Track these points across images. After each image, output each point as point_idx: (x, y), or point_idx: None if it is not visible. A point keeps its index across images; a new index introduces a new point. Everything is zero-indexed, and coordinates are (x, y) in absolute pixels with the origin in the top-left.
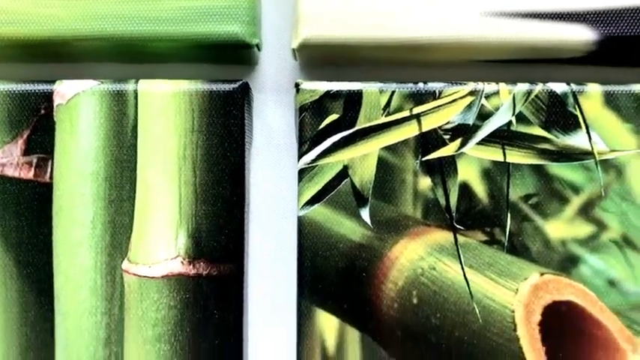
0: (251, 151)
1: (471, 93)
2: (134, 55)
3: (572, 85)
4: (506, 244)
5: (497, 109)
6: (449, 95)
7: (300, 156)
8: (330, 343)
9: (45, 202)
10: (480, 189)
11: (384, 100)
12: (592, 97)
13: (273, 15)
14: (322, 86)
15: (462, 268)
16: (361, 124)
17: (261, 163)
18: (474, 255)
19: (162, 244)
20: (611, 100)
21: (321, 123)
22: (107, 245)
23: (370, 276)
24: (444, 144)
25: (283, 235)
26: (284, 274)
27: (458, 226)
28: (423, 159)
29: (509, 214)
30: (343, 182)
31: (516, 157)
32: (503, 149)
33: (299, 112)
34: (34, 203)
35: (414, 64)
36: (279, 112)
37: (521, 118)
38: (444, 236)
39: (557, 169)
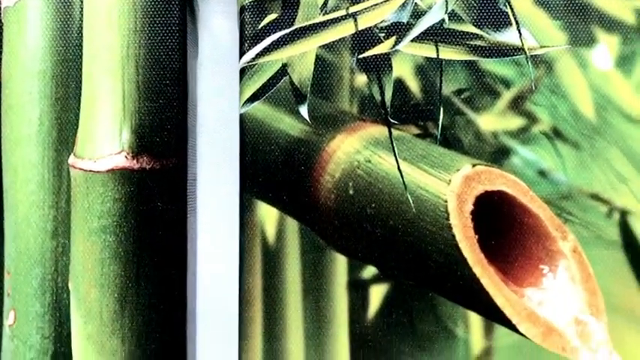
0: (198, 57)
1: None
2: None
3: None
4: (439, 137)
5: (430, 7)
6: None
7: (240, 55)
8: (271, 233)
9: None
10: (413, 85)
11: (321, 0)
12: None
13: None
14: None
15: (397, 161)
16: (299, 23)
17: (208, 64)
18: (407, 148)
19: (106, 140)
20: None
21: (261, 22)
22: (54, 141)
23: (309, 169)
24: (379, 42)
25: (228, 133)
26: (228, 170)
27: (392, 120)
28: (359, 56)
29: (441, 109)
30: (282, 80)
31: (449, 53)
32: (436, 46)
33: (240, 13)
34: None
35: None
36: (226, 24)
37: (453, 15)
38: (379, 130)
39: (489, 64)
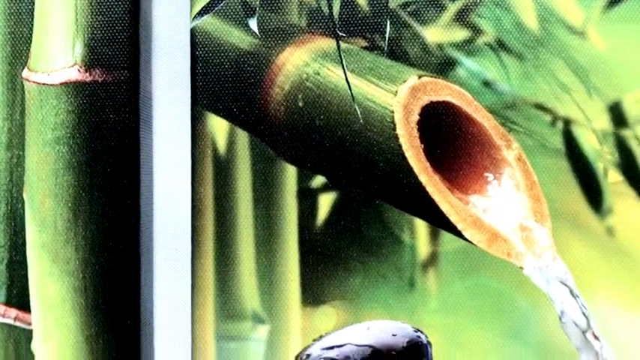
0: None
1: None
2: None
3: None
4: (385, 49)
5: None
6: None
7: None
8: (221, 144)
9: None
10: None
11: None
12: None
13: None
14: None
15: (345, 73)
16: None
17: None
18: (355, 60)
19: (60, 53)
20: None
21: None
22: (8, 55)
23: (258, 82)
24: None
25: (179, 47)
26: (180, 83)
27: (340, 33)
28: None
29: (388, 22)
30: None
31: None
32: None
33: None
34: None
35: None
36: None
37: None
38: (328, 43)
39: None
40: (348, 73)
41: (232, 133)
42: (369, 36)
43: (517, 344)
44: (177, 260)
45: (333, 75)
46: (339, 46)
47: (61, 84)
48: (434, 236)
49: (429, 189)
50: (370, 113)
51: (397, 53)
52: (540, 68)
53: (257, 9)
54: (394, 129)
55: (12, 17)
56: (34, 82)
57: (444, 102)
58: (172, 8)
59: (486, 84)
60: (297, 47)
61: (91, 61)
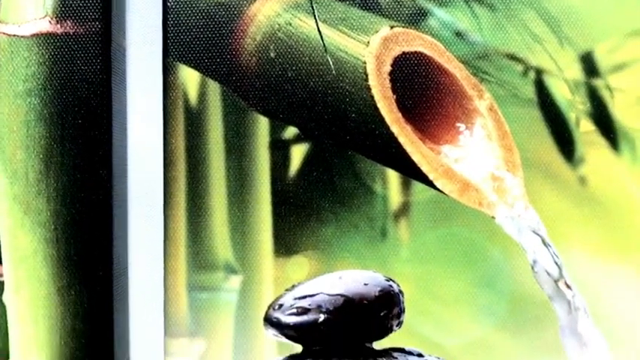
0: None
1: None
2: None
3: None
4: None
5: None
6: None
7: None
8: (193, 95)
9: None
10: None
11: None
12: None
13: None
14: None
15: (317, 23)
16: None
17: None
18: (327, 10)
19: (30, 5)
20: None
21: None
22: None
23: (230, 33)
24: None
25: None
26: (152, 35)
27: None
28: None
29: None
30: None
31: None
32: None
33: None
34: None
35: None
36: None
37: None
38: None
39: None
40: (320, 23)
41: (204, 84)
42: None
43: (489, 293)
44: (149, 212)
45: (305, 26)
46: None
47: (32, 35)
48: (406, 186)
49: (401, 139)
50: (342, 64)
51: (369, 4)
52: (512, 18)
53: None
54: (366, 80)
55: None
56: (4, 33)
57: (416, 52)
58: None
59: (458, 34)
60: None
61: (62, 13)
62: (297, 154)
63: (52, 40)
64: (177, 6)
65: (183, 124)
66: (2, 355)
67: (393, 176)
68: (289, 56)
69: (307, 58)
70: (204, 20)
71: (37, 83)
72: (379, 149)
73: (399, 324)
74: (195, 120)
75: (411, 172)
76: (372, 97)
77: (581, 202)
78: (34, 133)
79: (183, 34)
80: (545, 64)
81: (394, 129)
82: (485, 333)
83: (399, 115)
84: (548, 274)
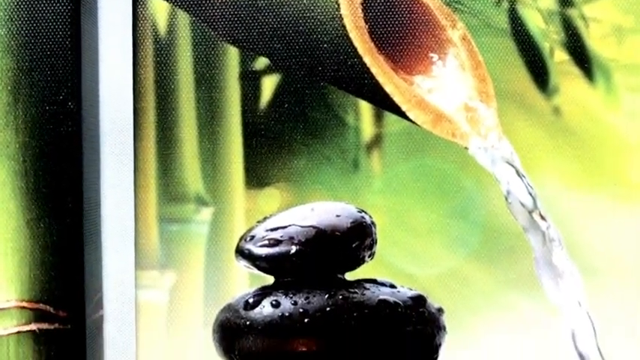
0: None
1: None
2: None
3: None
4: None
5: None
6: None
7: None
8: (162, 26)
9: None
10: None
11: None
12: None
13: None
14: None
15: None
16: None
17: None
18: None
19: None
20: None
21: None
22: None
23: None
24: None
25: None
26: None
27: None
28: None
29: None
30: None
31: None
32: None
33: None
34: None
35: None
36: None
37: None
38: None
39: None
40: None
41: (173, 15)
42: None
43: (462, 224)
44: (120, 144)
45: None
46: None
47: None
48: (378, 118)
49: (373, 70)
50: None
51: None
52: None
53: None
54: (338, 9)
55: None
56: None
57: None
58: None
59: None
60: None
61: None
62: (268, 85)
63: None
64: None
65: (153, 56)
66: None
67: (365, 107)
68: None
69: None
70: None
71: (3, 14)
72: (351, 80)
73: (371, 255)
74: (164, 51)
75: (383, 103)
76: (344, 26)
77: (555, 133)
78: (2, 65)
79: None
80: None
81: (366, 59)
82: (458, 264)
83: (372, 45)
84: (522, 205)
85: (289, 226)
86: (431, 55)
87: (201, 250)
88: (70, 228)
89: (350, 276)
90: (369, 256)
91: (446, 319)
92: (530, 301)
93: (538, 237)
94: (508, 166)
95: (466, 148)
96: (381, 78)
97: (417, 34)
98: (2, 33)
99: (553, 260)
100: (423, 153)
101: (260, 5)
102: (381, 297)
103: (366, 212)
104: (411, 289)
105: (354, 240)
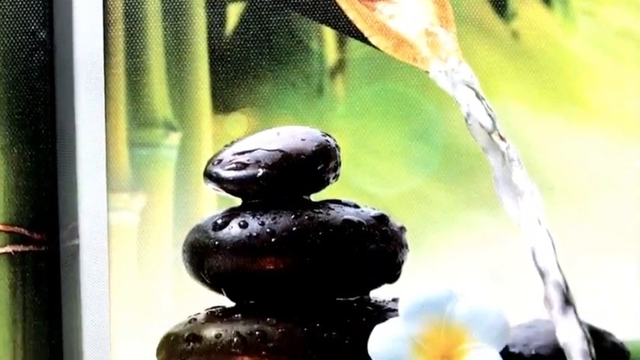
0: None
1: None
2: None
3: None
4: None
5: None
6: None
7: None
8: None
9: None
10: None
11: None
12: None
13: None
14: None
15: None
16: None
17: None
18: None
19: None
20: None
21: None
22: None
23: None
24: None
25: None
26: None
27: None
28: None
29: None
30: None
31: None
32: None
33: None
34: None
35: None
36: None
37: None
38: None
39: None
40: None
41: None
42: None
43: (423, 145)
44: (91, 72)
45: None
46: None
47: None
48: (341, 43)
49: None
50: None
51: None
52: None
53: None
54: None
55: None
56: None
57: None
58: None
59: None
60: None
61: None
62: (234, 12)
63: None
64: None
65: None
66: None
67: (329, 34)
68: None
69: None
70: None
71: None
72: (315, 7)
73: (336, 177)
74: None
75: (346, 29)
76: None
77: (513, 56)
78: None
79: None
80: None
81: None
82: (419, 184)
83: None
84: (481, 126)
85: (256, 149)
86: None
87: (171, 173)
88: (44, 153)
89: (315, 197)
90: (333, 178)
91: (408, 237)
92: (491, 219)
93: (497, 157)
94: (468, 89)
95: (427, 72)
96: (343, 4)
97: None
98: None
99: (513, 179)
100: (385, 77)
101: None
102: (346, 217)
103: (330, 136)
104: (374, 209)
105: (319, 162)
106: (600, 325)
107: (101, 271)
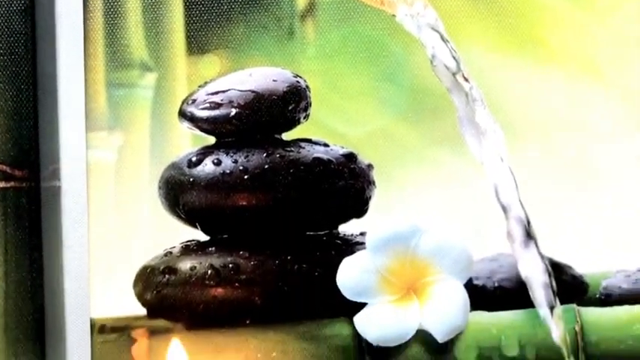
0: None
1: None
2: None
3: None
4: None
5: None
6: None
7: None
8: None
9: None
10: None
11: None
12: None
13: None
14: None
15: None
16: None
17: None
18: None
19: None
20: None
21: None
22: None
23: None
24: None
25: None
26: None
27: None
28: None
29: None
30: None
31: None
32: None
33: None
34: None
35: None
36: None
37: None
38: None
39: None
40: None
41: None
42: None
43: (390, 86)
44: (70, 15)
45: None
46: None
47: None
48: None
49: None
50: None
51: None
52: None
53: None
54: None
55: None
56: None
57: None
58: None
59: None
60: None
61: None
62: None
63: None
64: None
65: None
66: None
67: None
68: None
69: None
70: None
71: None
72: None
73: (306, 117)
74: None
75: None
76: None
77: (477, 0)
78: None
79: None
80: None
81: None
82: (386, 124)
83: None
84: (446, 67)
85: (229, 90)
86: None
87: (147, 112)
88: (25, 93)
89: (286, 136)
90: (304, 118)
91: (375, 175)
92: (455, 157)
93: (461, 97)
94: (433, 31)
95: (394, 15)
96: None
97: None
98: None
99: (476, 119)
100: (354, 20)
101: None
102: (315, 155)
103: (300, 77)
104: (342, 148)
105: (290, 102)
106: (561, 258)
107: (82, 213)
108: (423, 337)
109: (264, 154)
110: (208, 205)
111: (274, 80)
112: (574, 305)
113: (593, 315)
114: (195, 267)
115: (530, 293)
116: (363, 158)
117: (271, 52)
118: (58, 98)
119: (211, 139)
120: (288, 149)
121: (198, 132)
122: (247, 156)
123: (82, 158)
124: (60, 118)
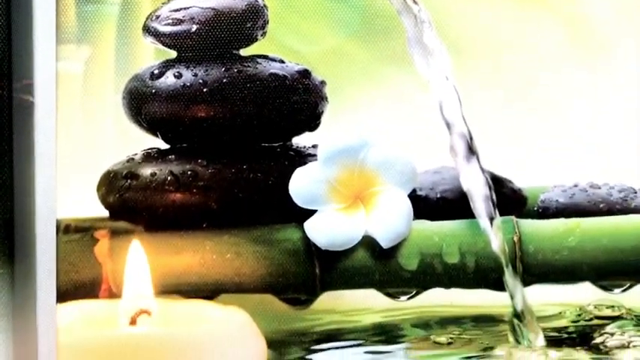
0: None
1: None
2: None
3: None
4: None
5: None
6: None
7: None
8: None
9: None
10: None
11: None
12: None
13: None
14: None
15: None
16: None
17: None
18: None
19: None
20: None
21: None
22: None
23: None
24: None
25: None
26: None
27: None
28: None
29: None
30: None
31: None
32: None
33: None
34: None
35: None
36: None
37: None
38: None
39: None
40: None
41: None
42: None
43: (344, 6)
44: None
45: None
46: None
47: None
48: None
49: None
50: None
51: None
52: None
53: None
54: None
55: None
56: None
57: None
58: None
59: None
60: None
61: None
62: None
63: None
64: None
65: None
66: None
67: None
68: None
69: None
70: None
71: None
72: None
73: (263, 34)
74: None
75: None
76: None
77: None
78: None
79: None
80: None
81: None
82: (340, 42)
83: None
84: None
85: (190, 7)
86: None
87: (113, 27)
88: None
89: (244, 52)
90: (261, 35)
91: (327, 91)
92: (404, 76)
93: (410, 19)
94: None
95: None
96: None
97: None
98: None
99: (424, 40)
100: None
101: None
102: (272, 70)
103: None
104: (297, 64)
105: (248, 20)
106: (501, 172)
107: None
108: (368, 242)
109: (223, 69)
110: (169, 115)
111: None
112: (513, 217)
113: (531, 226)
114: (155, 173)
115: (472, 204)
116: (317, 75)
117: None
118: (33, 10)
119: (173, 54)
120: (246, 64)
121: (161, 46)
122: (207, 70)
123: (53, 72)
124: (34, 30)
